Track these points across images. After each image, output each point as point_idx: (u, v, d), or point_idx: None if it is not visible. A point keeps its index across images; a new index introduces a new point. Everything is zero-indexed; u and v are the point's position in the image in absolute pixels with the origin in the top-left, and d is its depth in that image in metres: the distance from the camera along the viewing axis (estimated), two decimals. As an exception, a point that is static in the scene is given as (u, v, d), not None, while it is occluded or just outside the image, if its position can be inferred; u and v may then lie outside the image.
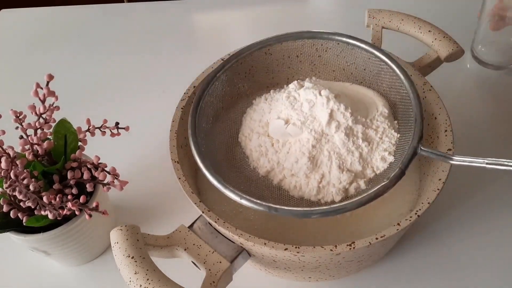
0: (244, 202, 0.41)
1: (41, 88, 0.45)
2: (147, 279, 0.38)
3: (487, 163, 0.40)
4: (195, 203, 0.43)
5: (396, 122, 0.48)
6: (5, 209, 0.43)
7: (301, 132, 0.46)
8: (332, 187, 0.45)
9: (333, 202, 0.44)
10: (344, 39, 0.50)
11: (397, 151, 0.46)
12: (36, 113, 0.45)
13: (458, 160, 0.41)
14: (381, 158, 0.45)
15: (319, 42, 0.53)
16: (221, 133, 0.50)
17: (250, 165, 0.48)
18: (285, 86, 0.51)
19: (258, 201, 0.41)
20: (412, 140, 0.43)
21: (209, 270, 0.41)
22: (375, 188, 0.41)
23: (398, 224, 0.41)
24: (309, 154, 0.45)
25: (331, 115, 0.45)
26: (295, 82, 0.49)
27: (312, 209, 0.40)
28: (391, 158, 0.45)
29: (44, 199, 0.42)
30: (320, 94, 0.46)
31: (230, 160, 0.48)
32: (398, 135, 0.47)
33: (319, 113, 0.46)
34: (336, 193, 0.44)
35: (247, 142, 0.49)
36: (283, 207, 0.41)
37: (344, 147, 0.45)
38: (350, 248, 0.39)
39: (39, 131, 0.46)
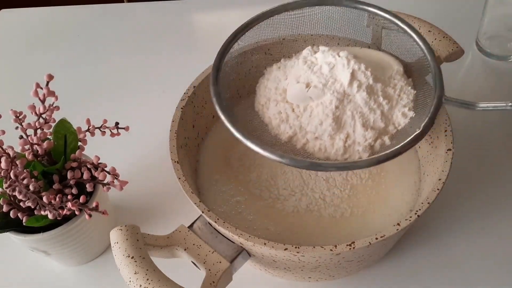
0: (267, 154, 0.42)
1: (41, 88, 0.45)
2: (147, 279, 0.38)
3: (511, 105, 0.43)
4: (195, 203, 0.43)
5: (410, 79, 0.48)
6: (5, 209, 0.43)
7: (323, 95, 0.46)
8: (358, 146, 0.45)
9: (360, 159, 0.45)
10: (349, 2, 0.50)
11: (415, 106, 0.46)
12: (36, 113, 0.45)
13: (483, 106, 0.44)
14: (402, 114, 0.46)
15: (319, 42, 0.53)
16: (238, 106, 0.50)
17: (270, 133, 0.47)
18: (293, 55, 0.51)
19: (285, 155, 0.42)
20: (436, 91, 0.44)
21: (209, 270, 0.41)
22: (410, 138, 0.42)
23: (398, 224, 0.41)
24: (333, 116, 0.45)
25: (353, 75, 0.45)
26: (309, 47, 0.49)
27: (355, 161, 0.42)
28: (411, 113, 0.46)
29: (44, 199, 0.42)
30: (338, 55, 0.46)
31: (249, 130, 0.47)
32: (415, 91, 0.47)
33: (340, 74, 0.46)
34: (362, 150, 0.45)
35: (264, 110, 0.49)
36: (326, 161, 0.42)
37: (366, 106, 0.45)
38: (350, 248, 0.39)
39: (39, 131, 0.46)
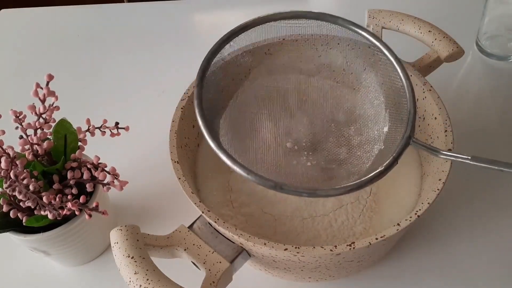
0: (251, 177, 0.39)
1: (41, 88, 0.45)
2: (147, 279, 0.38)
3: (470, 160, 0.42)
4: (195, 203, 0.43)
5: (387, 112, 0.48)
6: (5, 209, 0.43)
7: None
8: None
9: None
10: (344, 23, 0.49)
11: (387, 139, 0.46)
12: (36, 113, 0.45)
13: (445, 155, 0.43)
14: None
15: (319, 42, 0.53)
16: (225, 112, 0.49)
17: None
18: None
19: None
20: (405, 132, 0.43)
21: (209, 270, 0.41)
22: (370, 175, 0.41)
23: (398, 224, 0.41)
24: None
25: None
26: None
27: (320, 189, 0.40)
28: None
29: (44, 199, 0.42)
30: None
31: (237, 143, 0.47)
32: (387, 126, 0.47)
33: None
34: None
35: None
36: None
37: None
38: (350, 248, 0.39)
39: (39, 131, 0.46)
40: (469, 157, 0.42)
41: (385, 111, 0.47)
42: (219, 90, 0.48)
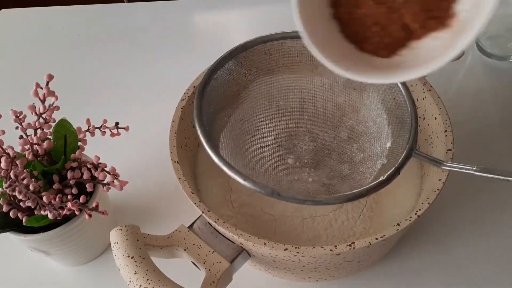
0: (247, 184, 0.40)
1: (41, 88, 0.45)
2: (147, 279, 0.38)
3: (475, 170, 0.41)
4: (195, 203, 0.43)
5: (389, 128, 0.48)
6: (5, 209, 0.43)
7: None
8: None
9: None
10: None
11: (389, 154, 0.46)
12: (36, 113, 0.45)
13: (449, 166, 0.42)
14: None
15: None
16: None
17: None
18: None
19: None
20: (407, 144, 0.43)
21: (209, 270, 0.41)
22: (372, 184, 0.41)
23: (398, 224, 0.41)
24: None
25: None
26: None
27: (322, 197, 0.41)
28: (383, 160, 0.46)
29: (44, 199, 0.42)
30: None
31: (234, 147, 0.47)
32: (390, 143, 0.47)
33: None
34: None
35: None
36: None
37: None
38: (350, 248, 0.39)
39: (39, 131, 0.46)
40: (474, 168, 0.41)
41: (387, 127, 0.47)
42: (218, 103, 0.49)
